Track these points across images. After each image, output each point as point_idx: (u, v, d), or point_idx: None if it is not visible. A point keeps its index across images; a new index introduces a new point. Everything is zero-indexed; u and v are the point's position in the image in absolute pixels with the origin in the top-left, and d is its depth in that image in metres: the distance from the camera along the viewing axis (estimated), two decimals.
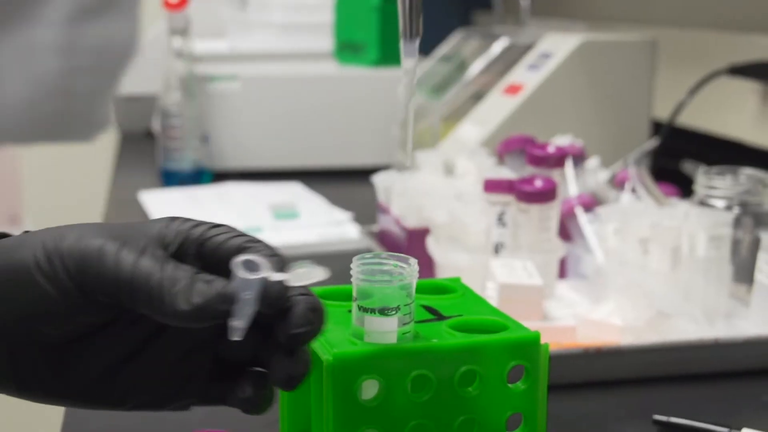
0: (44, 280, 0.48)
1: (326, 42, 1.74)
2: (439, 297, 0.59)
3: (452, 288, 0.60)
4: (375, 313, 0.51)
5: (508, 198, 0.90)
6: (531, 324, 0.79)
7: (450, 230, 0.93)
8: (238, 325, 0.46)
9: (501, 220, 0.90)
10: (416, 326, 0.54)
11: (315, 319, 0.48)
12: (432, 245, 0.95)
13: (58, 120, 0.29)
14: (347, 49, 1.69)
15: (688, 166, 1.35)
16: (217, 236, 0.50)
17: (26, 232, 0.51)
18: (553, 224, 0.90)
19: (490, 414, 0.53)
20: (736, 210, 0.90)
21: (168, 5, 1.47)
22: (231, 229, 0.51)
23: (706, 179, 0.92)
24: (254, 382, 0.51)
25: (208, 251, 0.50)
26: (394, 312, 0.51)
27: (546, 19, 1.80)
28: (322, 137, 1.60)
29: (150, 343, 0.51)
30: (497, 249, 0.90)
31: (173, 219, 0.51)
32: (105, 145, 2.25)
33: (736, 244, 0.90)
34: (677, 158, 1.38)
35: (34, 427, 1.33)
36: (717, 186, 0.92)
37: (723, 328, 0.84)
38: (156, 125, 1.63)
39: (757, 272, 0.84)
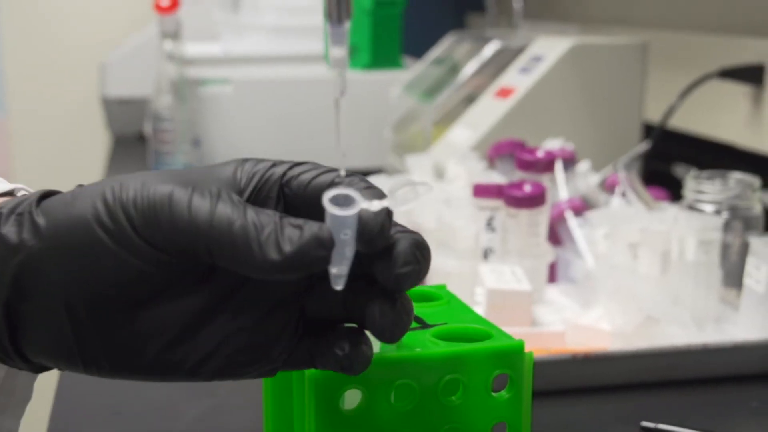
0: (107, 237, 0.42)
1: (318, 45, 1.74)
2: (424, 305, 0.59)
3: (437, 296, 0.60)
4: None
5: (497, 203, 0.89)
6: (520, 330, 0.80)
7: (439, 235, 0.93)
8: (340, 272, 0.41)
9: (490, 225, 0.90)
10: None
11: (421, 257, 0.42)
12: None
13: None
14: None
15: (679, 170, 1.35)
16: (302, 174, 0.45)
17: (80, 186, 0.45)
18: (543, 229, 0.90)
19: (474, 423, 0.52)
20: (725, 214, 0.90)
21: (159, 8, 1.47)
22: (317, 165, 0.45)
23: (695, 183, 0.92)
24: (351, 338, 0.45)
25: (292, 192, 0.45)
26: None
27: (539, 21, 1.80)
28: (315, 140, 1.60)
29: (227, 301, 0.44)
30: (486, 254, 0.90)
31: (246, 160, 0.46)
32: (97, 149, 2.25)
33: (725, 248, 0.90)
34: (669, 161, 1.38)
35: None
36: (706, 190, 0.91)
37: (712, 333, 0.84)
38: (148, 129, 1.62)
39: (746, 277, 0.84)
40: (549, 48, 1.31)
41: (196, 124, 1.54)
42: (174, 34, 1.49)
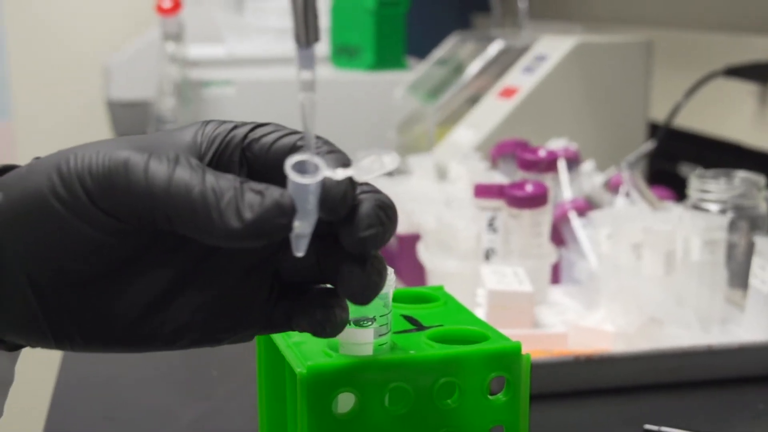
0: (63, 208, 0.41)
1: (322, 46, 1.73)
2: (420, 306, 0.57)
3: (434, 297, 0.59)
4: (350, 324, 0.49)
5: (499, 203, 0.88)
6: (521, 331, 0.79)
7: (440, 236, 0.92)
8: (301, 239, 0.40)
9: (492, 225, 0.89)
10: (395, 337, 0.52)
11: (385, 218, 0.41)
12: (422, 251, 0.93)
13: None
14: (343, 53, 1.68)
15: (685, 169, 1.34)
16: (264, 136, 0.43)
17: (37, 158, 0.44)
18: (545, 229, 0.89)
19: (470, 427, 0.51)
20: (730, 214, 0.89)
21: (161, 10, 1.46)
22: (279, 127, 0.44)
23: (699, 183, 0.91)
24: (323, 301, 0.44)
25: (254, 155, 0.43)
26: (370, 323, 0.50)
27: (544, 21, 1.79)
28: None
29: (199, 269, 0.43)
30: (488, 255, 0.89)
31: (207, 122, 0.44)
32: None
33: (731, 248, 0.89)
34: (674, 161, 1.37)
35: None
36: (711, 189, 0.90)
37: (717, 335, 0.83)
38: (151, 131, 1.62)
39: (751, 277, 0.82)
40: (553, 47, 1.30)
41: None
42: (176, 36, 1.48)
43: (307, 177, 0.39)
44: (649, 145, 1.18)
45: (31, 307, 0.43)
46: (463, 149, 1.21)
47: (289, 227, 0.39)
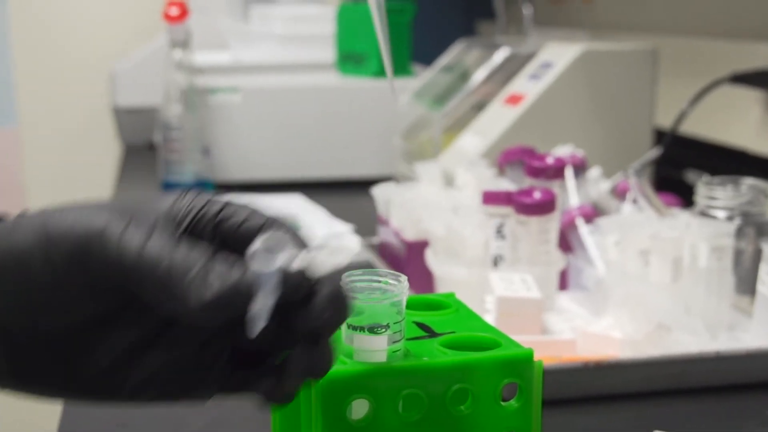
0: (40, 267, 0.43)
1: (328, 53, 1.74)
2: (432, 313, 0.58)
3: (446, 304, 0.60)
4: (364, 332, 0.50)
5: (507, 210, 0.89)
6: (530, 338, 0.79)
7: (448, 243, 0.92)
8: (257, 320, 0.42)
9: (500, 232, 0.89)
10: (407, 344, 0.53)
11: (337, 309, 0.44)
12: (430, 258, 0.94)
13: None
14: (349, 60, 1.69)
15: (691, 176, 1.34)
16: (233, 216, 0.46)
17: (22, 214, 0.47)
18: (553, 236, 0.89)
19: None
20: (737, 220, 0.89)
21: (168, 17, 1.47)
22: (250, 207, 0.47)
23: (707, 189, 0.91)
24: (276, 374, 0.46)
25: (225, 230, 0.46)
26: (384, 330, 0.50)
27: (548, 28, 1.79)
28: (324, 148, 1.59)
29: (165, 332, 0.46)
30: (496, 262, 0.89)
31: (185, 193, 0.47)
32: (108, 158, 2.25)
33: (738, 255, 0.89)
34: (680, 168, 1.37)
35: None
36: (718, 196, 0.90)
37: (725, 341, 0.83)
38: (158, 138, 1.62)
39: (759, 284, 0.83)
40: (559, 54, 1.31)
41: (206, 132, 1.54)
42: (183, 43, 1.49)
43: (268, 264, 0.42)
44: (654, 152, 1.18)
45: (1, 357, 0.45)
46: (470, 156, 1.22)
47: (245, 310, 0.42)
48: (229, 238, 0.46)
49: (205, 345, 0.47)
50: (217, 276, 0.42)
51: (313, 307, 0.43)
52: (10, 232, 0.45)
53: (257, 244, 0.43)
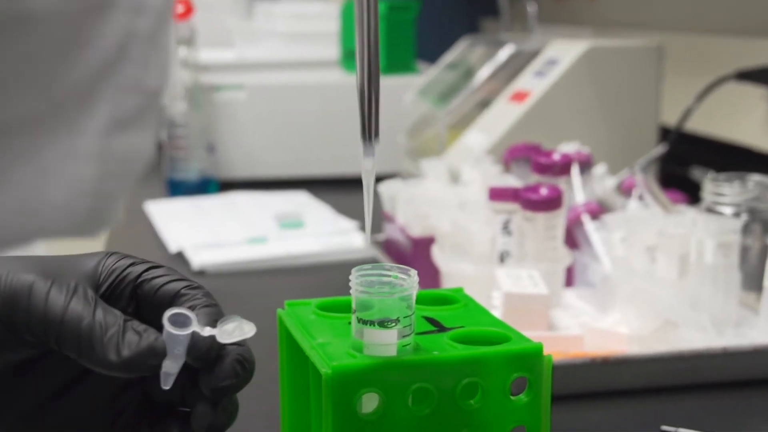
0: None
1: (332, 50, 1.74)
2: (441, 308, 0.58)
3: (455, 298, 0.60)
4: (374, 326, 0.50)
5: (513, 206, 0.89)
6: (537, 334, 0.79)
7: (455, 239, 0.92)
8: (168, 376, 0.47)
9: (506, 228, 0.89)
10: (417, 338, 0.53)
11: (241, 372, 0.49)
12: (437, 254, 0.94)
13: (88, 218, 0.32)
14: (353, 57, 1.69)
15: (696, 173, 1.34)
16: (153, 279, 0.50)
17: None
18: (559, 233, 0.89)
19: (492, 427, 0.52)
20: (744, 217, 0.89)
21: (173, 15, 1.47)
22: (170, 271, 0.51)
23: (713, 186, 0.91)
24: (180, 423, 0.51)
25: (143, 293, 0.50)
26: (393, 324, 0.50)
27: (553, 25, 1.79)
28: (329, 146, 1.59)
29: (80, 381, 0.51)
30: (502, 258, 0.89)
31: (109, 255, 0.51)
32: None
33: (745, 251, 0.89)
34: (686, 165, 1.37)
35: None
36: (724, 192, 0.90)
37: (731, 337, 0.83)
38: (163, 135, 1.62)
39: (765, 280, 0.83)
40: (564, 51, 1.31)
41: (211, 130, 1.54)
42: (188, 41, 1.49)
43: (180, 329, 0.47)
44: (660, 149, 1.18)
45: None
46: (475, 153, 1.22)
47: (158, 367, 0.47)
48: (148, 299, 0.50)
49: (117, 394, 0.52)
50: (134, 335, 0.47)
51: (219, 370, 0.48)
52: None
53: (173, 310, 0.47)
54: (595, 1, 1.86)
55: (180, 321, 0.47)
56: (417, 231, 0.99)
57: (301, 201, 1.39)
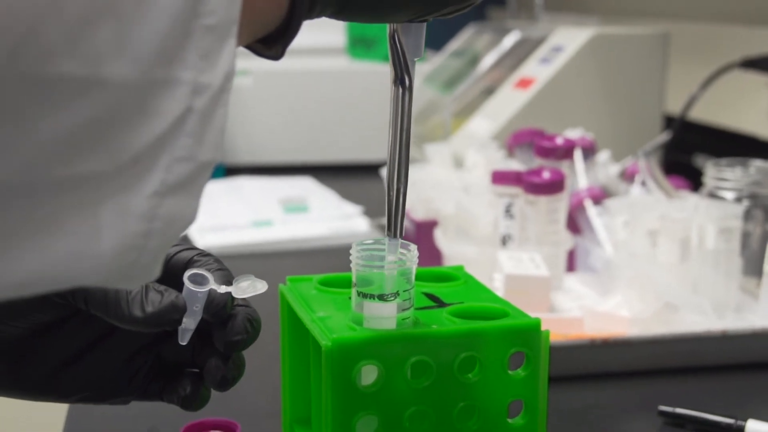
0: None
1: (339, 37, 1.74)
2: (442, 285, 0.59)
3: (455, 276, 0.60)
4: (374, 299, 0.51)
5: (516, 190, 0.89)
6: (538, 315, 0.79)
7: (457, 222, 0.93)
8: (187, 331, 0.51)
9: (508, 212, 0.90)
10: (417, 313, 0.53)
11: (250, 329, 0.52)
12: (440, 237, 0.94)
13: (130, 271, 0.35)
14: (359, 44, 1.69)
15: (700, 160, 1.35)
16: (175, 254, 0.54)
17: None
18: (561, 216, 0.89)
19: (490, 400, 0.53)
20: (745, 202, 0.89)
21: None
22: (182, 242, 0.54)
23: (715, 171, 0.91)
24: (192, 382, 0.54)
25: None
26: (393, 298, 0.51)
27: (559, 13, 1.79)
28: (334, 132, 1.60)
29: (99, 343, 0.54)
30: (504, 241, 0.90)
31: None
32: None
33: (746, 236, 0.90)
34: (690, 152, 1.38)
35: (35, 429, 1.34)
36: (726, 177, 0.91)
37: (732, 321, 0.84)
38: None
39: (766, 264, 0.83)
40: (569, 38, 1.31)
41: None
42: None
43: (199, 287, 0.50)
44: (664, 136, 1.18)
45: None
46: (480, 139, 1.22)
47: (179, 322, 0.51)
48: (164, 267, 0.50)
49: (133, 355, 0.55)
50: (156, 293, 0.50)
51: (232, 326, 0.51)
52: None
53: (192, 270, 0.51)
54: None
55: (198, 280, 0.51)
56: (421, 214, 1.00)
57: (306, 186, 1.40)
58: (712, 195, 0.91)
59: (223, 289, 0.51)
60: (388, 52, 0.51)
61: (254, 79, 1.57)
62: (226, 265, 0.54)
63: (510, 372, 0.53)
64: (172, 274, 0.52)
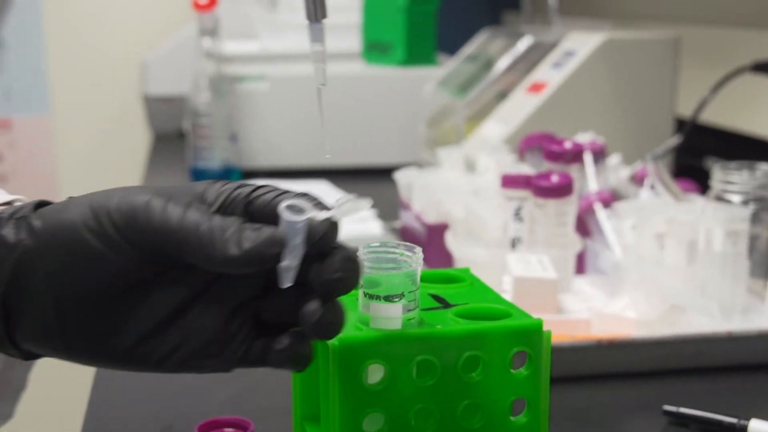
0: (92, 237, 0.48)
1: (354, 42, 1.76)
2: (447, 286, 0.60)
3: (461, 278, 0.62)
4: (380, 300, 0.52)
5: (525, 193, 0.91)
6: (545, 317, 0.81)
7: (468, 225, 0.94)
8: (288, 269, 0.47)
9: (518, 215, 0.91)
10: (422, 314, 0.55)
11: (350, 268, 0.48)
12: (450, 240, 0.96)
13: None
14: (375, 49, 1.71)
15: (710, 163, 1.35)
16: (264, 194, 0.50)
17: (71, 198, 0.52)
18: (570, 219, 0.91)
19: (493, 399, 0.54)
20: (752, 205, 0.90)
21: (198, 6, 1.50)
22: (276, 188, 0.51)
23: (722, 174, 0.93)
24: (291, 336, 0.50)
25: (255, 209, 0.50)
26: (398, 299, 0.52)
27: (573, 18, 1.80)
28: (350, 136, 1.62)
29: (195, 301, 0.50)
30: (514, 244, 0.91)
31: (216, 181, 0.52)
32: (138, 145, 2.29)
33: (753, 239, 0.91)
34: (700, 155, 1.39)
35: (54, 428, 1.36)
36: (733, 181, 0.92)
37: (739, 323, 0.85)
38: (187, 125, 1.65)
39: None
40: (581, 43, 1.32)
41: (234, 119, 1.57)
42: (212, 32, 1.51)
43: (297, 216, 0.47)
44: (674, 140, 1.19)
45: (51, 322, 0.50)
46: (493, 142, 1.23)
47: (279, 257, 0.47)
48: (260, 214, 0.50)
49: (231, 315, 0.51)
50: (251, 231, 0.47)
51: (329, 263, 0.48)
52: (61, 210, 0.50)
53: (288, 201, 0.47)
54: None
55: (296, 209, 0.47)
56: (432, 218, 1.02)
57: (321, 190, 1.42)
58: (719, 198, 0.92)
59: (322, 215, 0.47)
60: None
61: (270, 84, 1.59)
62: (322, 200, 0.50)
63: (513, 371, 0.54)
64: (271, 221, 0.48)
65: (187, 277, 0.50)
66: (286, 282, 0.47)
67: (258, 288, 0.51)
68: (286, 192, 0.50)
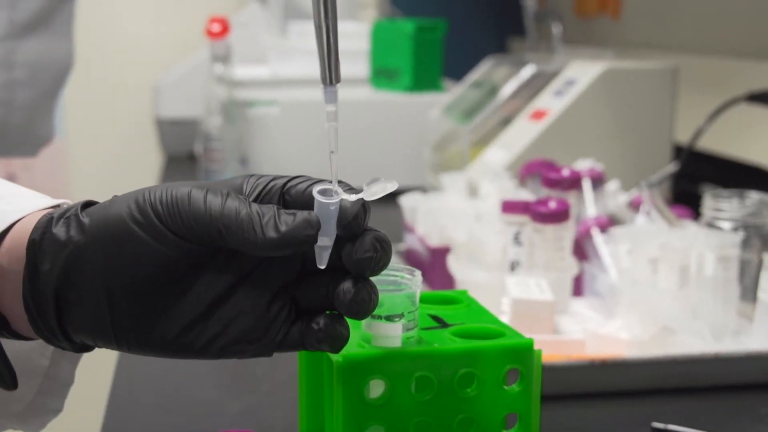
0: (138, 228, 0.51)
1: (363, 68, 1.80)
2: (445, 307, 0.64)
3: (458, 299, 0.66)
4: (382, 320, 0.56)
5: (524, 218, 0.95)
6: (541, 337, 0.84)
7: (469, 249, 0.98)
8: (324, 250, 0.51)
9: (517, 239, 0.95)
10: (422, 333, 0.59)
11: (380, 248, 0.52)
12: (452, 263, 1.00)
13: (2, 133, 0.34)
14: (382, 75, 1.75)
15: (707, 190, 1.39)
16: (299, 184, 0.54)
17: (115, 196, 0.55)
18: (567, 243, 0.95)
19: (487, 413, 0.58)
20: (741, 232, 0.94)
21: (210, 34, 1.55)
22: (310, 178, 0.54)
23: (713, 201, 0.96)
24: (327, 317, 0.53)
25: (291, 198, 0.53)
26: (399, 318, 0.56)
27: (577, 46, 1.85)
28: (357, 160, 1.66)
29: (236, 288, 0.53)
30: (513, 267, 0.95)
31: (252, 175, 0.56)
32: (150, 168, 2.33)
33: (744, 264, 0.94)
34: (697, 182, 1.42)
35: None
36: (723, 208, 0.95)
37: (728, 345, 0.88)
38: (198, 148, 1.70)
39: (760, 291, 0.88)
40: (582, 72, 1.36)
41: (244, 143, 1.61)
42: (224, 58, 1.56)
43: (329, 199, 0.51)
44: (671, 167, 1.23)
45: (102, 314, 0.53)
46: (495, 168, 1.27)
47: (315, 238, 0.51)
48: (295, 202, 0.54)
49: (270, 301, 0.54)
50: (289, 215, 0.51)
51: (360, 244, 0.52)
52: (107, 206, 0.54)
53: (320, 185, 0.51)
54: (619, 21, 1.91)
55: (329, 193, 0.51)
56: (435, 241, 1.05)
57: None
58: (710, 225, 0.96)
59: (353, 197, 0.51)
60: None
61: (281, 109, 1.63)
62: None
63: (505, 387, 0.58)
64: (306, 207, 0.52)
65: (229, 264, 0.53)
66: (323, 262, 0.51)
67: (294, 274, 0.54)
68: (319, 180, 0.54)
